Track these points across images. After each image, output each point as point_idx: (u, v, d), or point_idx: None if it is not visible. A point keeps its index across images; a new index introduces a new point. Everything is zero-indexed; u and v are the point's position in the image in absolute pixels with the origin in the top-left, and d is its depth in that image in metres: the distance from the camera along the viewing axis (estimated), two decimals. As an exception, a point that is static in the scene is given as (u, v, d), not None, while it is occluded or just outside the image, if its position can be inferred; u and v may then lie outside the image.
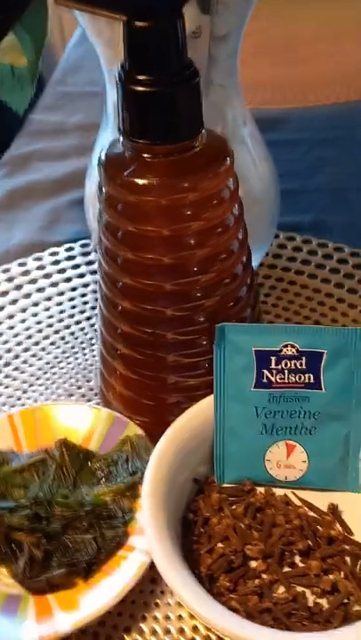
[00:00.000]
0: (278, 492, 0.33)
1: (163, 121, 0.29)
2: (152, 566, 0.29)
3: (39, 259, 0.53)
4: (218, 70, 0.39)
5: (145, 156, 0.30)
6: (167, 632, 0.30)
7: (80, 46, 0.88)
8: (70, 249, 0.54)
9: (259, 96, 0.76)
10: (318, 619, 0.28)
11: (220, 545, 0.31)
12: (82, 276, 0.51)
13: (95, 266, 0.52)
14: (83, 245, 0.54)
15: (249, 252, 0.35)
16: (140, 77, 0.28)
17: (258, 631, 0.26)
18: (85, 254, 0.53)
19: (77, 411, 0.37)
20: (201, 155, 0.30)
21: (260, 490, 0.33)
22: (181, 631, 0.30)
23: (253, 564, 0.30)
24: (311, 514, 0.32)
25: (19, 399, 0.42)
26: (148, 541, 0.28)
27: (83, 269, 0.52)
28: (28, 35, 0.33)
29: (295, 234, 0.53)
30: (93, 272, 0.52)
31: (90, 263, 0.52)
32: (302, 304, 0.47)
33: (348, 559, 0.30)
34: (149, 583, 0.31)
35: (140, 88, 0.28)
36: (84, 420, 0.37)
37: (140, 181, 0.30)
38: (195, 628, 0.30)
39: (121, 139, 0.31)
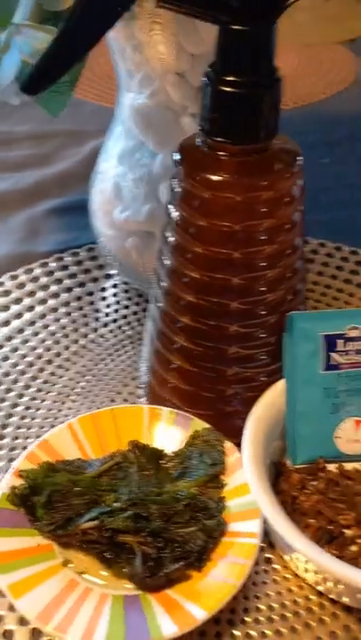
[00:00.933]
0: (348, 466, 0.36)
1: (247, 122, 0.30)
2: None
3: (30, 270, 0.52)
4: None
5: (223, 154, 0.31)
6: (283, 606, 0.31)
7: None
8: (61, 259, 0.54)
9: None
10: None
11: (312, 520, 0.33)
12: (82, 284, 0.51)
13: (93, 274, 0.52)
14: (73, 254, 0.54)
15: (303, 249, 0.37)
16: (231, 79, 0.29)
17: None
18: (78, 263, 0.53)
19: (137, 412, 0.37)
20: (275, 155, 0.32)
21: (332, 467, 0.36)
22: (296, 603, 0.31)
23: (348, 532, 0.33)
24: (384, 481, 0.35)
25: (60, 410, 0.41)
26: (270, 518, 0.29)
27: (81, 278, 0.52)
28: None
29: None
30: (93, 279, 0.51)
31: (86, 272, 0.52)
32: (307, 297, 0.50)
33: None
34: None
35: (230, 89, 0.29)
36: (144, 421, 0.37)
37: (217, 178, 0.31)
38: (307, 598, 0.32)
39: (199, 137, 0.32)
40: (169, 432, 0.37)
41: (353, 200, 0.62)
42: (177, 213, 0.33)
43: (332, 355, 0.35)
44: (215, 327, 0.35)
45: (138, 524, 0.31)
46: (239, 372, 0.36)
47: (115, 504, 0.32)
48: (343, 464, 0.36)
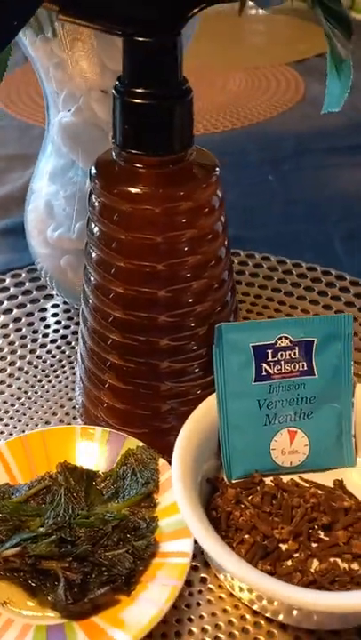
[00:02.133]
0: (285, 478, 0.35)
1: (159, 133, 0.30)
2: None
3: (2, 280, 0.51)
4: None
5: (140, 166, 0.31)
6: (217, 627, 0.30)
7: None
8: (2, 280, 0.53)
9: None
10: (358, 580, 0.30)
11: (247, 535, 0.32)
12: (22, 305, 0.50)
13: (32, 295, 0.51)
14: (14, 276, 0.53)
15: (231, 259, 0.37)
16: (139, 90, 0.29)
17: (307, 592, 0.27)
18: (19, 284, 0.52)
19: (68, 433, 0.36)
20: (192, 166, 0.32)
21: (268, 480, 0.35)
22: (230, 623, 0.30)
23: (284, 546, 0.32)
24: (321, 492, 0.34)
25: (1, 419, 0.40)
26: (198, 537, 0.28)
27: (21, 299, 0.51)
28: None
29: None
30: (33, 300, 0.51)
31: (26, 293, 0.51)
32: (249, 309, 0.50)
33: (365, 525, 0.33)
34: (185, 586, 0.31)
35: (139, 101, 0.29)
36: (77, 442, 0.36)
37: (135, 191, 0.31)
38: (242, 618, 0.31)
39: (114, 151, 0.31)
40: (102, 452, 0.36)
41: (296, 215, 0.62)
42: (97, 228, 0.33)
43: (263, 365, 0.34)
44: (145, 342, 0.34)
45: (62, 548, 0.30)
46: (173, 387, 0.36)
47: (39, 529, 0.31)
48: (281, 476, 0.35)
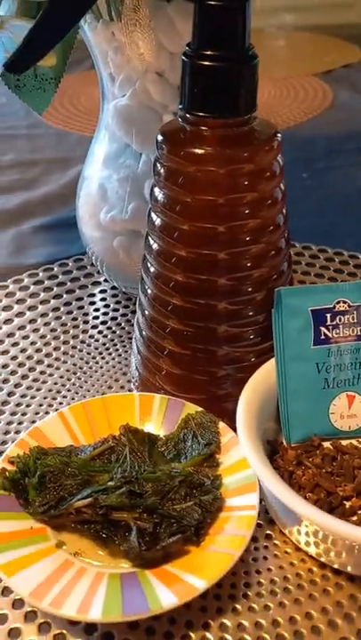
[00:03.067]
0: (344, 442, 0.35)
1: (225, 96, 0.31)
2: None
3: (20, 280, 0.52)
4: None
5: (205, 129, 0.32)
6: (285, 579, 0.30)
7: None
8: (50, 269, 0.54)
9: None
10: None
11: (310, 494, 0.32)
12: (71, 292, 0.51)
13: (81, 282, 0.52)
14: (62, 265, 0.54)
15: (289, 229, 0.38)
16: (208, 53, 0.30)
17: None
18: (67, 272, 0.53)
19: (128, 400, 0.37)
20: (255, 131, 0.33)
21: (327, 444, 0.35)
22: (298, 576, 0.30)
23: (348, 503, 0.32)
24: (380, 455, 0.34)
25: (58, 392, 0.41)
26: (267, 483, 0.29)
27: (69, 286, 0.52)
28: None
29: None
30: (82, 287, 0.52)
31: (74, 280, 0.53)
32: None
33: None
34: (251, 541, 0.32)
35: (207, 63, 0.30)
36: (136, 408, 0.37)
37: (200, 152, 0.32)
38: (310, 571, 0.31)
39: (180, 116, 0.33)
40: (162, 417, 0.36)
41: (331, 208, 0.63)
42: (162, 194, 0.34)
43: (322, 329, 0.35)
44: (204, 306, 0.35)
45: (132, 500, 0.30)
46: (230, 352, 0.36)
47: (109, 483, 0.31)
48: (339, 441, 0.35)
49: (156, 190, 0.34)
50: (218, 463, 0.34)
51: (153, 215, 0.35)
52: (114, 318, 0.48)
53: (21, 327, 0.47)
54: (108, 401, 0.37)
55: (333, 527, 0.27)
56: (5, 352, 0.45)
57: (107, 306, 0.50)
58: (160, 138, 0.33)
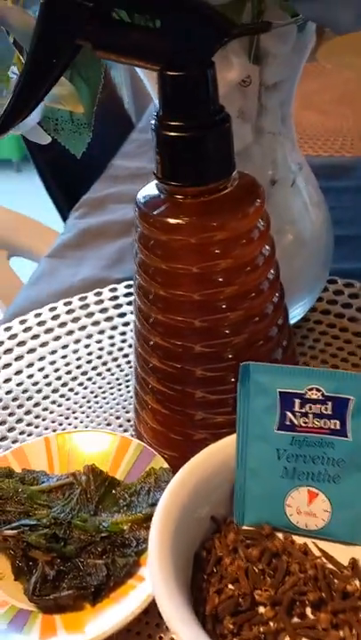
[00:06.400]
0: (298, 540, 0.32)
1: (192, 164, 0.30)
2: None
3: (99, 293, 0.56)
4: (268, 118, 0.40)
5: (177, 197, 0.31)
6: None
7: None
8: (130, 286, 0.56)
9: (337, 144, 0.77)
10: (319, 676, 0.27)
11: (230, 586, 0.30)
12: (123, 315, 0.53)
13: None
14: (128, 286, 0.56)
15: (282, 294, 0.35)
16: (172, 123, 0.29)
17: None
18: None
19: (109, 439, 0.38)
20: (231, 196, 0.31)
21: (280, 536, 0.32)
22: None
23: (261, 609, 0.30)
24: (329, 566, 0.31)
25: (60, 424, 0.43)
26: (151, 573, 0.28)
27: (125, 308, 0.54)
28: (84, 84, 0.36)
29: (354, 280, 0.52)
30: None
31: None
32: (352, 351, 0.46)
33: None
34: (157, 617, 0.31)
35: (172, 133, 0.29)
36: (114, 449, 0.38)
37: (171, 221, 0.32)
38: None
39: (155, 181, 0.32)
40: (131, 463, 0.37)
41: None
42: (138, 255, 0.34)
43: (288, 414, 0.32)
44: (181, 370, 0.35)
45: (51, 543, 0.32)
46: (207, 418, 0.35)
47: (42, 520, 0.33)
48: (294, 537, 0.32)
49: (135, 250, 0.34)
50: (155, 527, 0.33)
51: (134, 272, 0.35)
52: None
53: (77, 341, 0.51)
54: (91, 436, 0.39)
55: None
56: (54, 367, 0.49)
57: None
58: (137, 200, 0.33)
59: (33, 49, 0.28)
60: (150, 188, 0.33)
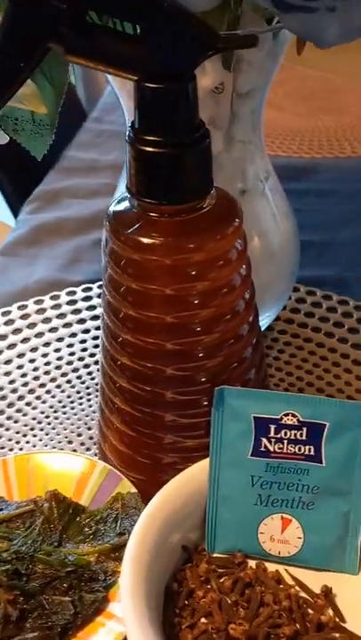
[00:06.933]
0: (271, 566, 0.32)
1: (169, 182, 0.28)
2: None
3: (56, 297, 0.53)
4: (240, 127, 0.38)
5: (151, 214, 0.29)
6: None
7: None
8: (88, 289, 0.54)
9: (294, 144, 0.76)
10: None
11: (203, 620, 0.29)
12: (96, 317, 0.51)
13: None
14: (100, 286, 0.54)
15: (256, 312, 0.34)
16: (149, 138, 0.27)
17: None
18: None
19: (72, 461, 0.37)
20: (209, 215, 0.30)
21: (252, 564, 0.32)
22: None
23: (235, 645, 0.29)
24: (303, 594, 0.30)
25: (18, 442, 0.41)
26: (123, 610, 0.27)
27: (98, 311, 0.52)
28: (48, 84, 0.34)
29: (316, 289, 0.52)
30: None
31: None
32: (316, 363, 0.46)
33: (336, 649, 0.28)
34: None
35: (148, 148, 0.27)
36: (78, 471, 0.36)
37: (145, 240, 0.30)
38: None
39: (128, 196, 0.30)
40: (97, 488, 0.35)
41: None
42: (108, 271, 0.32)
43: (263, 440, 0.31)
44: (151, 392, 0.33)
45: (13, 580, 0.30)
46: (177, 441, 0.34)
47: (3, 554, 0.32)
48: (266, 564, 0.32)
49: (104, 266, 0.33)
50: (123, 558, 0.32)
51: (103, 288, 0.33)
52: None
53: (34, 349, 0.48)
54: (53, 458, 0.37)
55: None
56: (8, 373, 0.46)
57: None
58: (109, 212, 0.31)
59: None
60: (122, 202, 0.31)
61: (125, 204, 0.31)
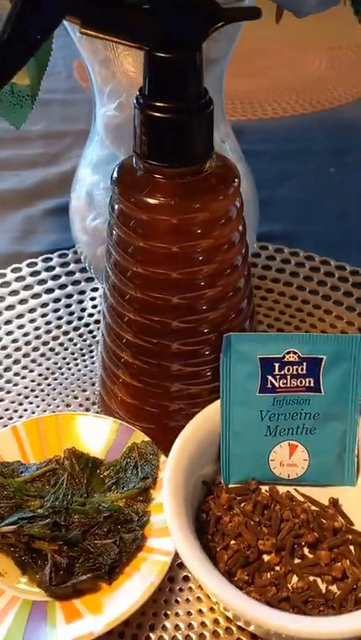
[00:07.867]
0: (281, 489, 0.36)
1: (177, 146, 0.30)
2: (170, 566, 0.31)
3: (18, 269, 0.54)
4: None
5: (158, 177, 0.31)
6: (189, 627, 0.32)
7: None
8: (48, 259, 0.55)
9: (253, 104, 0.78)
10: (333, 604, 0.30)
11: (233, 542, 0.33)
12: (64, 286, 0.52)
13: (75, 276, 0.53)
14: (61, 255, 0.55)
15: (249, 266, 0.37)
16: (158, 104, 0.29)
17: (285, 617, 0.28)
18: (64, 265, 0.54)
19: (82, 420, 0.38)
20: (211, 177, 0.32)
21: (265, 488, 0.35)
22: (203, 625, 0.32)
23: (267, 557, 0.33)
24: (314, 508, 0.35)
25: (15, 411, 0.42)
26: (176, 543, 0.30)
27: (63, 280, 0.53)
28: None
29: (268, 243, 0.56)
30: (75, 282, 0.53)
31: (70, 274, 0.53)
32: (292, 314, 0.50)
33: (352, 548, 0.33)
34: (168, 582, 0.33)
35: (158, 114, 0.29)
36: (89, 430, 0.38)
37: (153, 201, 0.32)
38: (215, 621, 0.32)
39: (135, 159, 0.32)
40: (110, 442, 0.37)
41: (351, 213, 0.61)
42: (115, 232, 0.34)
43: (269, 378, 0.35)
44: (157, 345, 0.35)
45: (55, 532, 0.32)
46: (182, 389, 0.37)
47: (38, 510, 0.33)
48: (278, 487, 0.36)
49: (112, 227, 0.34)
50: (151, 499, 0.35)
51: (108, 247, 0.35)
52: (98, 321, 0.49)
53: (7, 322, 0.49)
54: (61, 419, 0.38)
55: (227, 602, 0.28)
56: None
57: (94, 306, 0.50)
58: (115, 176, 0.33)
59: (14, 23, 0.26)
60: (124, 167, 0.33)
61: (131, 167, 0.32)
